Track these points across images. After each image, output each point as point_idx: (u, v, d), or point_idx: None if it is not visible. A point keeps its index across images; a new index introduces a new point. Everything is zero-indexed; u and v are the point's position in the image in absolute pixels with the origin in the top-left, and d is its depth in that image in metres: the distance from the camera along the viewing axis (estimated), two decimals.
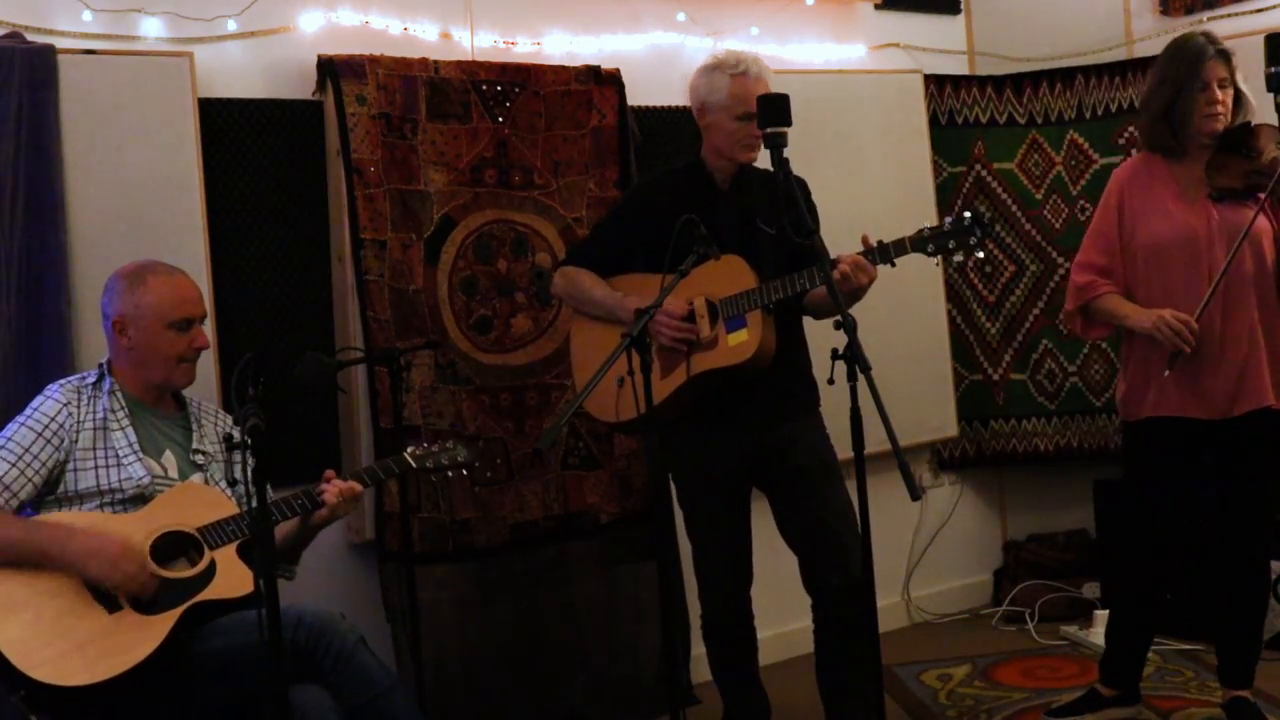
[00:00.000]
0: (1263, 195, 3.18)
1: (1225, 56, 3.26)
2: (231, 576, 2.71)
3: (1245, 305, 3.27)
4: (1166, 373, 3.27)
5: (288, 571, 3.02)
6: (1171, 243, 3.31)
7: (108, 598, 2.62)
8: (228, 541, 2.75)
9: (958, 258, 3.02)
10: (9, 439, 2.75)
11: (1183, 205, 3.33)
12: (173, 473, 2.87)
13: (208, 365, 3.37)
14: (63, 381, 2.89)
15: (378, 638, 3.41)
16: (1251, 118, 3.30)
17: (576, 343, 3.46)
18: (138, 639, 2.58)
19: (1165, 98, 3.31)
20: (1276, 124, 3.18)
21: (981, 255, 3.05)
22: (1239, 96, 3.29)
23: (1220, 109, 3.26)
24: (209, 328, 3.35)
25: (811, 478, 3.30)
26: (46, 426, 2.77)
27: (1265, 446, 3.34)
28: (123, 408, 2.87)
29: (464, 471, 3.13)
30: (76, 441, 2.79)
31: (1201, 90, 3.25)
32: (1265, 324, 3.28)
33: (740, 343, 3.16)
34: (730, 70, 3.26)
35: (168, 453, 2.90)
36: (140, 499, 2.79)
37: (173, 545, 2.73)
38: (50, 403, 2.82)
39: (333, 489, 2.86)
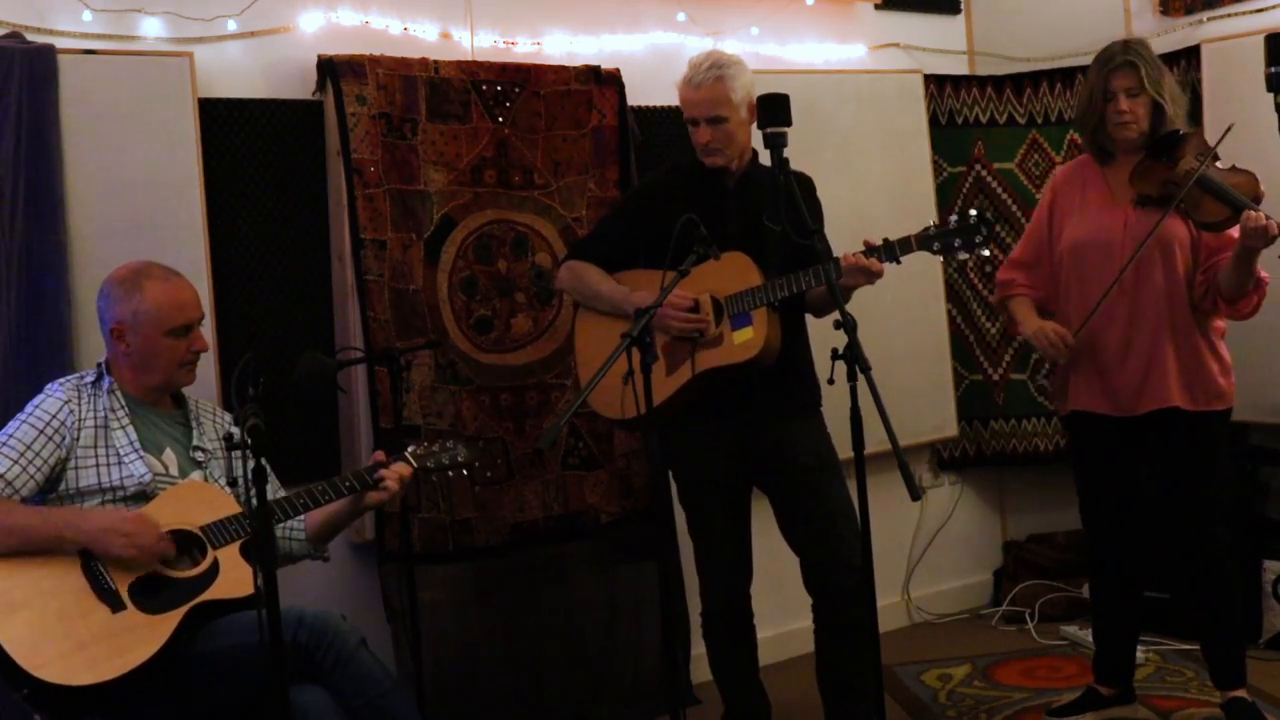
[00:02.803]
0: (1173, 205, 3.25)
1: (1134, 65, 3.31)
2: (234, 576, 2.71)
3: (1153, 310, 3.35)
4: (1045, 383, 3.39)
5: (323, 554, 3.08)
6: (1087, 244, 3.41)
7: (111, 596, 2.62)
8: (231, 540, 2.75)
9: (962, 256, 3.04)
10: (10, 436, 2.74)
11: (1105, 209, 3.42)
12: (173, 470, 2.88)
13: (208, 365, 3.37)
14: (62, 380, 2.88)
15: (378, 638, 3.41)
16: (1181, 125, 3.38)
17: (580, 338, 3.46)
18: (141, 639, 2.58)
19: (1084, 105, 3.44)
20: (1202, 132, 3.33)
21: (987, 254, 3.08)
22: (1159, 105, 3.34)
23: (1128, 118, 3.33)
24: (208, 327, 3.36)
25: (813, 477, 3.30)
26: (48, 424, 2.77)
27: (1188, 445, 3.40)
28: (122, 406, 2.87)
29: (464, 472, 3.13)
30: (78, 439, 2.79)
31: (1109, 100, 3.34)
32: (1176, 329, 3.35)
33: (745, 340, 3.16)
34: (679, 80, 3.30)
35: (168, 450, 2.90)
36: (142, 496, 2.79)
37: (176, 544, 2.73)
38: (51, 400, 2.81)
39: (393, 475, 2.92)
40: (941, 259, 4.00)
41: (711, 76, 3.23)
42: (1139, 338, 3.36)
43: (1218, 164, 3.32)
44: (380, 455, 3.01)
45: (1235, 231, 3.24)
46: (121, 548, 2.63)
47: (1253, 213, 3.12)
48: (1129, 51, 3.34)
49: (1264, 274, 3.29)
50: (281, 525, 2.94)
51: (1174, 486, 3.45)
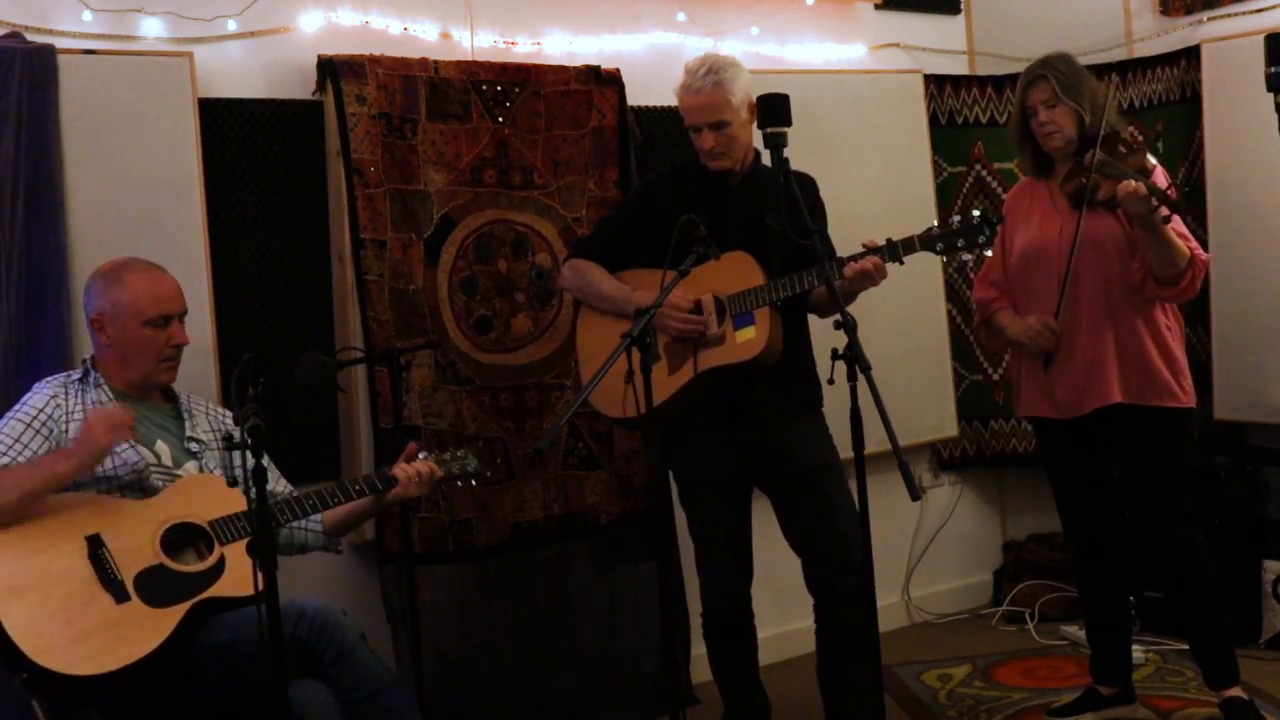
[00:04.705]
0: (1085, 196, 3.36)
1: (1047, 78, 3.45)
2: (240, 573, 2.71)
3: (1090, 308, 3.42)
4: (1044, 373, 3.49)
5: (337, 546, 3.13)
6: (1031, 252, 3.53)
7: (116, 586, 2.62)
8: (238, 537, 2.76)
9: (966, 256, 3.05)
10: None
11: (1047, 218, 3.53)
12: (166, 460, 2.89)
13: (208, 364, 3.38)
14: (49, 378, 2.91)
15: (378, 638, 3.41)
16: (1103, 129, 3.45)
17: (583, 336, 3.46)
18: (144, 632, 2.59)
19: (1013, 125, 3.58)
20: (1131, 134, 3.45)
21: (990, 254, 3.10)
22: (1079, 114, 3.44)
23: (1050, 127, 3.46)
24: (208, 328, 3.37)
25: (816, 478, 3.30)
26: (35, 418, 2.79)
27: (1145, 442, 3.44)
28: (110, 400, 2.88)
29: (473, 482, 3.15)
30: (67, 432, 2.80)
31: (1031, 115, 3.49)
32: (1116, 325, 3.42)
33: (748, 339, 3.16)
34: (678, 85, 3.30)
35: (160, 442, 2.91)
36: (138, 485, 2.80)
37: (182, 536, 2.74)
38: (38, 396, 2.84)
39: (403, 471, 2.95)
40: (942, 259, 4.00)
41: (710, 81, 3.22)
42: (1079, 338, 3.42)
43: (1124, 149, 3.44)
44: (414, 447, 3.07)
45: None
46: (108, 443, 2.68)
47: (1124, 183, 3.20)
48: (1043, 66, 3.48)
49: (1201, 253, 3.35)
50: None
51: (1136, 488, 3.49)
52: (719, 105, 3.22)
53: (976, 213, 3.05)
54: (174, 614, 2.63)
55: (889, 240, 3.08)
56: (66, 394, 2.86)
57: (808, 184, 3.32)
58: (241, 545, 2.75)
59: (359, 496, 2.93)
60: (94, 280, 2.94)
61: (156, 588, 2.65)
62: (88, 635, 2.55)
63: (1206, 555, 3.45)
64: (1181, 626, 3.73)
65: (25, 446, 2.75)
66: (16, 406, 2.83)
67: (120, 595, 2.62)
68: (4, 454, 2.72)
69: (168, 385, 3.01)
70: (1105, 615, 3.66)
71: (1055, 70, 3.45)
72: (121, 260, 2.97)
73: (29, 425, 2.78)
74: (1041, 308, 3.47)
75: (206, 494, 2.81)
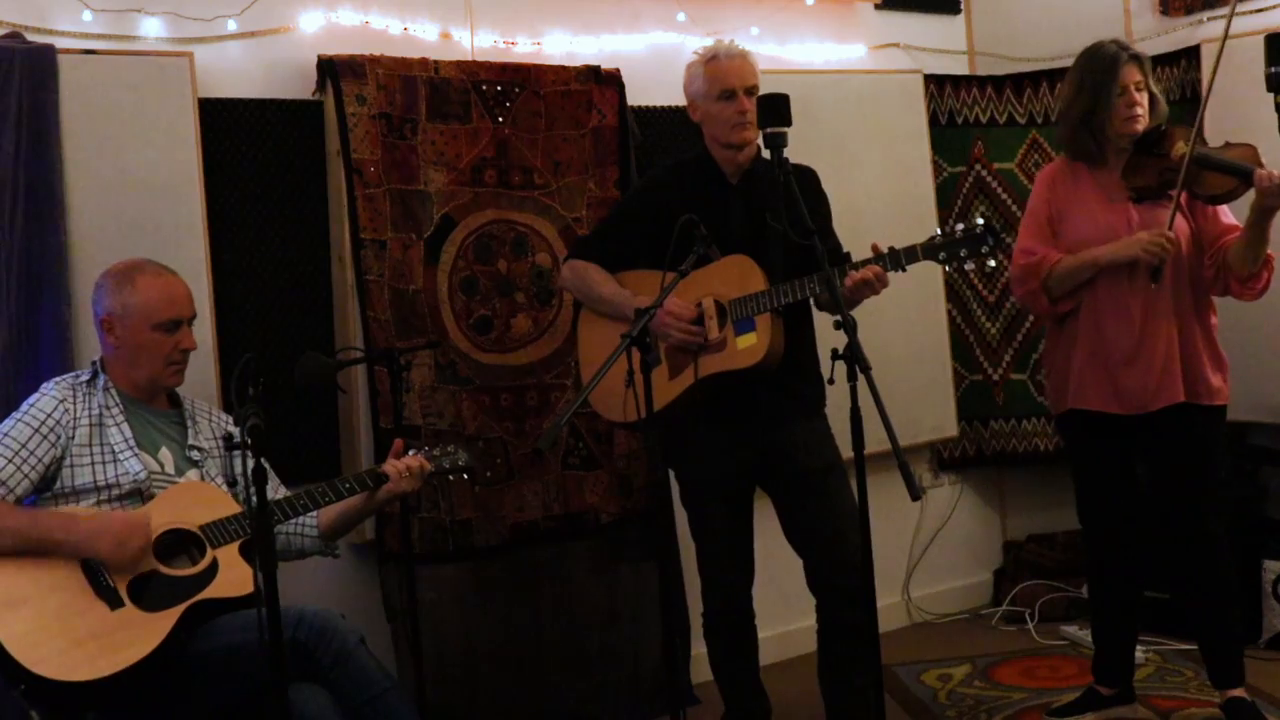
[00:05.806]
0: (1174, 191, 3.30)
1: (1139, 60, 3.38)
2: (233, 575, 2.72)
3: (1164, 306, 3.37)
4: (1154, 286, 3.33)
5: (334, 550, 3.11)
6: (1093, 243, 3.41)
7: (110, 593, 2.62)
8: (230, 540, 2.76)
9: (969, 266, 3.02)
10: (5, 435, 2.74)
11: (1104, 209, 3.44)
12: (169, 468, 2.88)
13: (208, 365, 3.38)
14: (57, 379, 2.89)
15: (378, 638, 3.41)
16: (1163, 121, 3.43)
17: (584, 338, 3.46)
18: (139, 636, 2.58)
19: (1084, 105, 3.42)
20: (1188, 124, 3.32)
21: (994, 264, 3.04)
22: (1154, 99, 3.42)
23: (1139, 110, 3.37)
24: (208, 328, 3.37)
25: (818, 480, 3.29)
26: (43, 423, 2.77)
27: (1188, 439, 3.42)
28: (117, 404, 2.87)
29: (465, 476, 3.15)
30: (73, 438, 2.79)
31: (1120, 95, 3.37)
32: (1181, 324, 3.39)
33: (749, 346, 3.15)
34: (703, 60, 3.32)
35: (164, 449, 2.90)
36: (137, 495, 2.79)
37: (175, 542, 2.74)
38: (46, 399, 2.82)
39: (393, 467, 2.95)
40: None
41: (740, 50, 3.29)
42: (1152, 335, 3.36)
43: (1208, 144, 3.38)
44: (400, 444, 3.05)
45: (1225, 217, 3.36)
46: (111, 552, 2.64)
47: (1263, 171, 3.16)
48: (1128, 48, 3.39)
49: (1271, 252, 3.32)
50: (293, 522, 2.96)
51: (1171, 482, 3.47)
52: (753, 71, 3.28)
53: (980, 221, 3.01)
54: (169, 617, 2.63)
55: (890, 249, 3.06)
56: (75, 396, 2.84)
57: (809, 176, 3.32)
58: (233, 548, 2.75)
59: (349, 494, 2.92)
60: (105, 280, 2.92)
61: (151, 592, 2.65)
62: (83, 642, 2.54)
63: (1228, 553, 3.45)
64: (1191, 624, 3.69)
65: (32, 453, 2.73)
66: (23, 408, 2.81)
67: (114, 602, 2.62)
68: (10, 460, 2.71)
69: (173, 389, 3.00)
70: (1115, 616, 3.63)
71: (1141, 56, 3.39)
72: (133, 261, 2.95)
73: (36, 431, 2.76)
74: (1103, 305, 3.38)
75: (197, 499, 2.81)
